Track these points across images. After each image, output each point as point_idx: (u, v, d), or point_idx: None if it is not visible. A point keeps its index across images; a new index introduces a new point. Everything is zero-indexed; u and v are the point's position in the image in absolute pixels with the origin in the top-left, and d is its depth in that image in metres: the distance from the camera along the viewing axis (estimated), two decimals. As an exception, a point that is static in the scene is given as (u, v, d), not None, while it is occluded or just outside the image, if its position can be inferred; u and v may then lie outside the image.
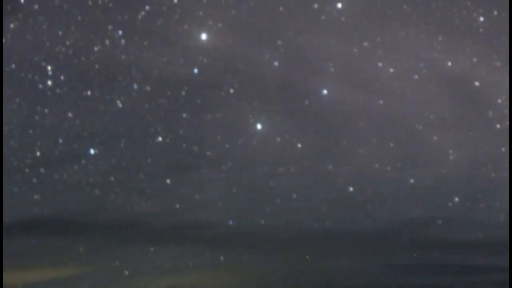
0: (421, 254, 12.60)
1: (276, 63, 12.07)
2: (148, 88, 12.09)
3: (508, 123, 12.06)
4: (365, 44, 12.05)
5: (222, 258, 12.30)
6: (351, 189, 12.27)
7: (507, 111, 12.05)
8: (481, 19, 11.90)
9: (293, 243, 12.41)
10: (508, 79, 11.74)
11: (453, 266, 12.51)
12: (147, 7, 11.77)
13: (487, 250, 12.37)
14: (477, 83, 12.06)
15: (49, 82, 12.08)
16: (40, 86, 12.09)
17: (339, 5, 11.74)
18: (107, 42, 12.00)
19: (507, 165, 12.15)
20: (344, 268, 12.46)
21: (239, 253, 12.27)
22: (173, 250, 12.43)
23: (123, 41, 12.00)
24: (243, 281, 12.01)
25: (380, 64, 12.10)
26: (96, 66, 12.08)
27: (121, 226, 12.16)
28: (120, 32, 12.00)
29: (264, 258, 12.37)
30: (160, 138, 12.18)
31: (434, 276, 12.32)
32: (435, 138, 12.20)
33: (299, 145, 12.20)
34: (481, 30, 11.94)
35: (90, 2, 11.80)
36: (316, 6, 11.78)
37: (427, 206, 12.31)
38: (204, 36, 11.88)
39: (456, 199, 12.35)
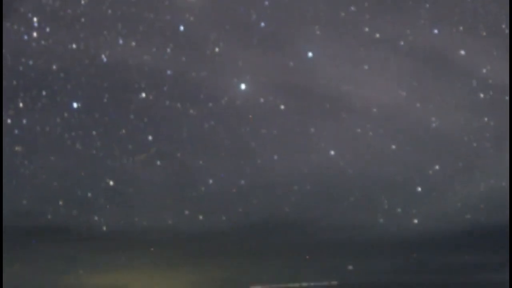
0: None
1: (262, 24, 12.05)
2: (133, 43, 12.08)
3: (491, 93, 12.12)
4: (352, 8, 12.01)
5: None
6: (332, 152, 12.30)
7: (491, 81, 12.08)
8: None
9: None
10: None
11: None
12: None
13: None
14: (462, 52, 12.04)
15: (34, 34, 12.05)
16: (25, 37, 12.07)
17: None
18: (94, -5, 11.98)
19: (488, 135, 12.22)
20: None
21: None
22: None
23: (110, -5, 11.97)
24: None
25: (366, 29, 12.07)
26: (82, 20, 12.05)
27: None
28: (107, -13, 11.96)
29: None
30: (143, 94, 12.18)
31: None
32: (417, 104, 12.21)
33: (282, 107, 12.21)
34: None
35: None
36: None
37: (407, 171, 12.35)
38: (191, -6, 11.86)
39: (437, 167, 12.39)
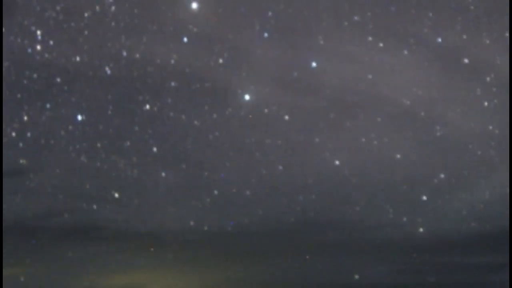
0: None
1: (266, 34, 12.04)
2: (137, 55, 12.07)
3: (496, 101, 12.10)
4: (356, 18, 12.00)
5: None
6: (337, 162, 12.30)
7: (495, 89, 12.07)
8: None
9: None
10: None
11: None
12: (138, -25, 11.75)
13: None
14: (466, 60, 12.03)
15: (38, 47, 12.05)
16: (29, 50, 12.06)
17: (331, -22, 11.72)
18: (97, 8, 11.95)
19: (493, 143, 12.20)
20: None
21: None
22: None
23: (113, 8, 11.95)
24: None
25: (370, 39, 12.06)
26: (86, 32, 12.04)
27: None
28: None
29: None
30: (147, 106, 12.19)
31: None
32: (422, 114, 12.20)
33: (286, 117, 12.21)
34: (471, 7, 11.90)
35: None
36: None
37: (411, 179, 12.35)
38: (194, 5, 11.82)
39: (442, 175, 12.39)
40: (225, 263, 12.99)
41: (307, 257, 12.99)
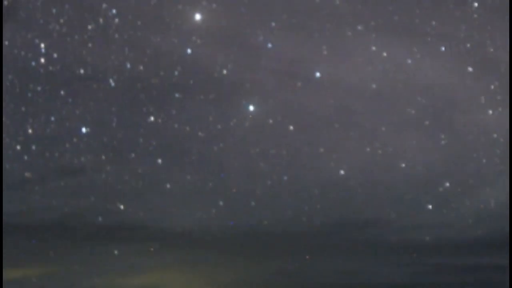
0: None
1: (269, 45, 12.05)
2: (141, 67, 12.07)
3: (500, 109, 12.11)
4: (359, 27, 12.00)
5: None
6: (342, 172, 12.30)
7: (499, 97, 12.08)
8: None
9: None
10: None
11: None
12: (141, -13, 11.74)
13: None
14: (470, 69, 12.04)
15: (42, 60, 12.05)
16: (33, 63, 12.07)
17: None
18: (100, 20, 11.96)
19: (498, 151, 12.23)
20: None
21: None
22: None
23: (116, 20, 11.95)
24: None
25: (373, 48, 12.07)
26: (90, 45, 12.04)
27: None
28: (114, 11, 11.94)
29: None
30: (152, 118, 12.20)
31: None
32: (426, 122, 12.22)
33: (291, 128, 12.22)
34: (475, 16, 11.92)
35: (84, -19, 11.77)
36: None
37: (417, 190, 12.37)
38: (198, 17, 11.83)
39: (447, 184, 12.40)
40: (236, 263, 13.01)
41: (307, 257, 13.01)
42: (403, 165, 12.30)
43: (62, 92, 12.15)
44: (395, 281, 13.15)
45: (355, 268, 13.19)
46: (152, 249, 12.94)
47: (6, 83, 12.07)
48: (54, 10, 11.86)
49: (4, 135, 12.16)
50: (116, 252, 12.95)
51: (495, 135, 12.21)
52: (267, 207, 12.63)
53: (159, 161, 12.30)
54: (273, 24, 12.02)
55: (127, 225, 12.74)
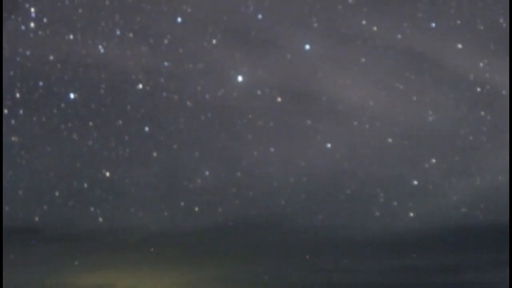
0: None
1: (260, 16, 12.04)
2: (131, 34, 12.06)
3: (488, 87, 12.12)
4: (350, 0, 12.00)
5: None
6: (328, 145, 12.31)
7: (488, 75, 12.08)
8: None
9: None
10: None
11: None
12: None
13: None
14: (459, 46, 12.03)
15: (32, 24, 12.03)
16: (23, 27, 12.05)
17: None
18: (91, -14, 11.96)
19: (485, 129, 12.23)
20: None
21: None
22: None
23: (107, -16, 11.96)
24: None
25: (364, 22, 12.06)
26: (80, 10, 12.03)
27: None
28: (105, -22, 11.95)
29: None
30: (140, 86, 12.18)
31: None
32: (414, 98, 12.21)
33: (279, 99, 12.21)
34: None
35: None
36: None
37: (403, 164, 12.37)
38: (189, -15, 11.84)
39: (433, 160, 12.40)
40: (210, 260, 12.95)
41: (307, 256, 13.02)
42: (390, 140, 12.31)
43: (51, 57, 12.14)
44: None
45: (332, 266, 13.17)
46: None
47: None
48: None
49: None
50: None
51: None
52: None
53: (146, 129, 12.29)
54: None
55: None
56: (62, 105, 12.27)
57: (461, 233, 12.85)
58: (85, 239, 12.49)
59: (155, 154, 12.37)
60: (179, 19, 11.99)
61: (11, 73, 12.18)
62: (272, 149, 12.36)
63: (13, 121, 12.24)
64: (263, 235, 12.61)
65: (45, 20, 12.05)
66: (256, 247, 12.68)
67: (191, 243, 12.62)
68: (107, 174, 12.42)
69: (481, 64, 12.06)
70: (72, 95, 12.25)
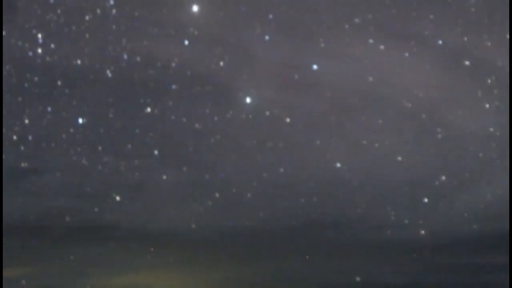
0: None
1: (267, 37, 12.05)
2: (138, 58, 12.08)
3: (497, 103, 12.11)
4: (356, 20, 12.00)
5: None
6: (338, 165, 12.31)
7: (496, 91, 12.08)
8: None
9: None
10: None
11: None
12: (139, -22, 11.76)
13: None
14: (467, 63, 12.03)
15: (39, 50, 12.06)
16: (30, 53, 12.08)
17: (331, -19, 11.74)
18: (98, 11, 11.97)
19: (494, 145, 12.22)
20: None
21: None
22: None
23: (114, 11, 11.96)
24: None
25: (371, 41, 12.07)
26: (87, 35, 12.05)
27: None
28: (112, 2, 11.96)
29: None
30: (148, 109, 12.20)
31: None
32: (423, 116, 12.22)
33: (287, 120, 12.22)
34: (472, 9, 11.89)
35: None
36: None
37: (415, 184, 12.38)
38: (195, 8, 11.84)
39: (443, 177, 12.40)
40: (228, 264, 13.04)
41: (307, 256, 13.02)
42: (399, 158, 12.31)
43: (59, 83, 12.16)
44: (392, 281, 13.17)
45: (353, 268, 13.18)
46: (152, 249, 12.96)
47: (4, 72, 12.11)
48: (51, 0, 11.88)
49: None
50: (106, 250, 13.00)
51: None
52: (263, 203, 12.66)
53: (156, 152, 12.30)
54: (271, 16, 12.03)
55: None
56: (71, 130, 12.29)
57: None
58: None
59: (164, 177, 12.39)
60: (186, 42, 12.01)
61: (19, 99, 12.22)
62: (281, 170, 12.38)
63: (22, 148, 12.27)
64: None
65: (52, 45, 12.08)
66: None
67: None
68: (117, 198, 12.47)
69: (489, 81, 12.06)
70: (80, 120, 12.27)
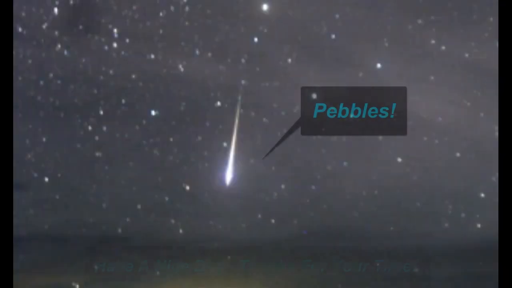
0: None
1: (333, 36, 12.56)
2: (210, 54, 12.60)
3: None
4: (419, 21, 12.49)
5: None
6: (399, 159, 12.83)
7: None
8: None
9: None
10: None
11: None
12: (210, -24, 12.29)
13: None
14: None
15: (115, 45, 12.59)
16: (106, 48, 12.60)
17: (397, -18, 12.25)
18: (171, 8, 12.49)
19: None
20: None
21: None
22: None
23: (187, 8, 12.48)
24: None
25: (433, 42, 12.56)
26: (161, 31, 12.57)
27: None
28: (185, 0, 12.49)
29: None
30: (219, 103, 12.70)
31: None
32: (482, 115, 12.71)
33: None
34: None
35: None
36: (375, -18, 12.29)
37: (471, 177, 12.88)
38: (265, 7, 12.34)
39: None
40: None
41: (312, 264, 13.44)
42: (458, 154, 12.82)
43: (133, 76, 12.69)
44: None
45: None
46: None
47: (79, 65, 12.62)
48: (127, -3, 12.41)
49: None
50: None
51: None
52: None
53: (224, 144, 12.80)
54: (337, 16, 12.53)
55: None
56: (144, 121, 12.81)
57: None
58: (166, 249, 13.00)
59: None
60: (255, 39, 12.51)
61: (95, 91, 12.74)
62: (345, 163, 12.88)
63: (97, 137, 12.80)
64: (337, 244, 13.12)
65: (127, 40, 12.61)
66: (330, 256, 13.16)
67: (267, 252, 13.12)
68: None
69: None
70: (153, 112, 12.78)
